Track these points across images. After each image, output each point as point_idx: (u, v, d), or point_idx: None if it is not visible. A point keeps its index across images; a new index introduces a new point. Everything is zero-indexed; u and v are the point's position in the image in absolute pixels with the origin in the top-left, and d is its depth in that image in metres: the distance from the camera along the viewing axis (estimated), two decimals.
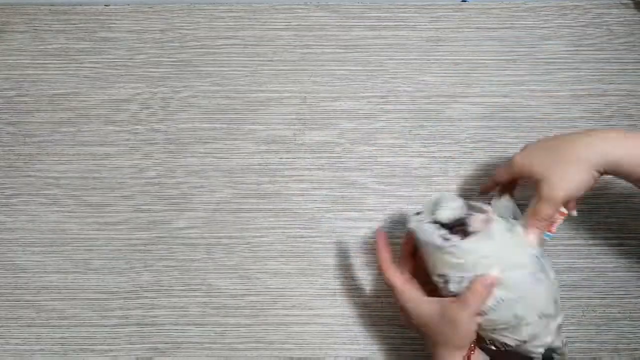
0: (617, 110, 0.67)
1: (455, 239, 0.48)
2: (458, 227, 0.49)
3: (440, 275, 0.49)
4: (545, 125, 0.66)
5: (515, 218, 0.53)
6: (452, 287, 0.48)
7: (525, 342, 0.49)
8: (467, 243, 0.48)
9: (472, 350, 0.49)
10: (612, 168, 0.48)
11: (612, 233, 0.63)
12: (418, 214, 0.52)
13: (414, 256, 0.54)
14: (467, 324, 0.48)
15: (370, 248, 0.64)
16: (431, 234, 0.49)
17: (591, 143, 0.49)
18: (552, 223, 0.51)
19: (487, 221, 0.49)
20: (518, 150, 0.54)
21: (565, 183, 0.49)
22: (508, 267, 0.47)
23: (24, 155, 0.68)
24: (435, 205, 0.51)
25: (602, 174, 0.49)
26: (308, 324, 0.63)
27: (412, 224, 0.51)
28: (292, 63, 0.69)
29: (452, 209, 0.50)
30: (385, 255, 0.53)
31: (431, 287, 0.51)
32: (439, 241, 0.48)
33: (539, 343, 0.49)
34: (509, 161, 0.53)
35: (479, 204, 0.51)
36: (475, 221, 0.49)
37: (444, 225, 0.50)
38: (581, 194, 0.50)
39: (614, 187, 0.64)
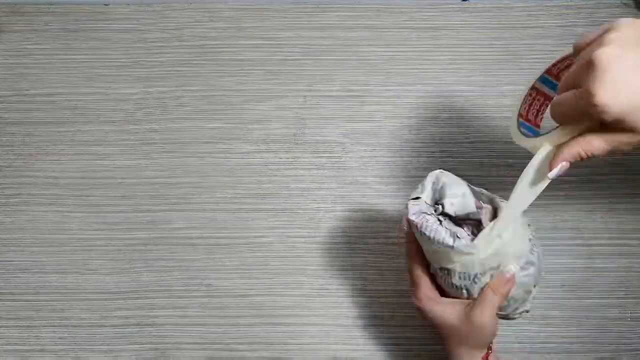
0: None
1: (466, 237, 0.46)
2: (468, 221, 0.47)
3: (443, 269, 0.47)
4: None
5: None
6: (456, 280, 0.47)
7: (511, 311, 0.50)
8: (480, 241, 0.45)
9: (490, 350, 0.48)
10: None
11: (612, 233, 0.63)
12: (416, 198, 0.47)
13: (421, 254, 0.50)
14: (490, 325, 0.46)
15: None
16: (440, 233, 0.45)
17: None
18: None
19: (497, 216, 0.46)
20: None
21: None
22: (518, 257, 0.46)
23: (24, 155, 0.68)
24: (436, 190, 0.48)
25: None
26: (308, 324, 0.63)
27: (415, 218, 0.46)
28: (292, 63, 0.69)
29: (460, 198, 0.47)
30: (414, 249, 0.49)
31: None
32: (450, 241, 0.45)
33: (521, 309, 0.50)
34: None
35: (481, 190, 0.48)
36: (486, 216, 0.46)
37: (451, 218, 0.47)
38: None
39: (614, 188, 0.64)
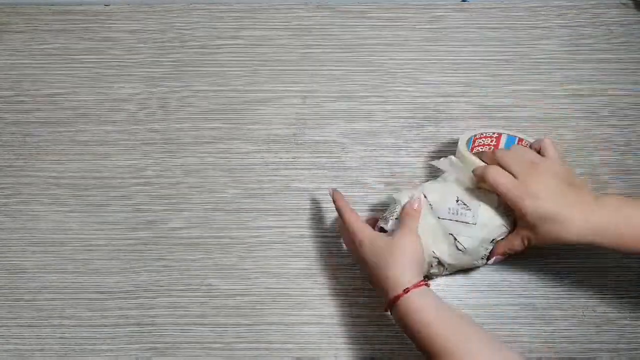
0: (616, 110, 0.67)
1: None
2: None
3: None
4: (545, 125, 0.66)
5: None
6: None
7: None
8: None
9: (425, 283, 0.52)
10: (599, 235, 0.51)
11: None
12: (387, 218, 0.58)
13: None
14: (410, 244, 0.53)
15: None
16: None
17: (592, 209, 0.51)
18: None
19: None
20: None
21: (548, 239, 0.52)
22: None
23: (24, 155, 0.68)
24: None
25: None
26: (308, 324, 0.63)
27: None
28: (292, 63, 0.69)
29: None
30: (344, 204, 0.57)
31: None
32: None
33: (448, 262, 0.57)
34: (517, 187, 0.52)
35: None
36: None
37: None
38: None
39: (614, 190, 0.64)
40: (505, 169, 0.53)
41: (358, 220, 0.56)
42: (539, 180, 0.52)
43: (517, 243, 0.54)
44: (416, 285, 0.50)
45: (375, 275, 0.53)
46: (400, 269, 0.51)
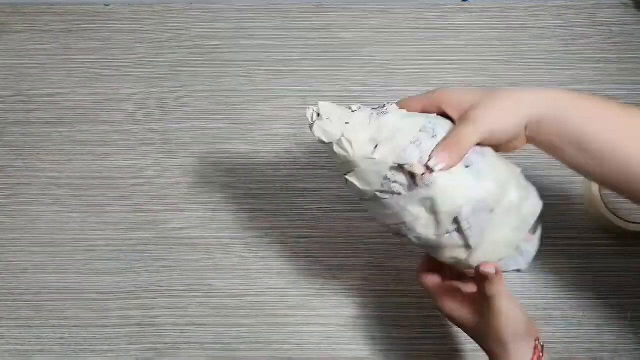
0: None
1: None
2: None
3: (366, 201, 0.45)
4: None
5: None
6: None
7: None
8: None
9: (538, 343, 0.45)
10: (555, 118, 0.41)
11: (612, 233, 0.63)
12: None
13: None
14: (500, 309, 0.43)
15: (372, 249, 0.64)
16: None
17: (530, 91, 0.42)
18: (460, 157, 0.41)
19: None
20: None
21: (497, 112, 0.41)
22: None
23: (24, 155, 0.68)
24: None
25: (535, 126, 0.41)
26: (308, 324, 0.63)
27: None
28: (292, 63, 0.69)
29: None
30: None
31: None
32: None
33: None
34: (427, 93, 0.45)
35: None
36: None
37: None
38: (502, 139, 0.42)
39: None
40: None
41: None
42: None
43: (461, 129, 0.41)
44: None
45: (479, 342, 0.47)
46: (506, 351, 0.44)
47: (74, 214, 0.66)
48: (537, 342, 0.45)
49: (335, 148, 0.43)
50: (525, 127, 0.42)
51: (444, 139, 0.41)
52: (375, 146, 0.42)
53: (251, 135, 0.67)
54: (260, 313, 0.63)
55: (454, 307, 0.47)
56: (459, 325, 0.48)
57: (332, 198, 0.65)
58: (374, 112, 0.44)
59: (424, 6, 0.70)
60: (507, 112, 0.41)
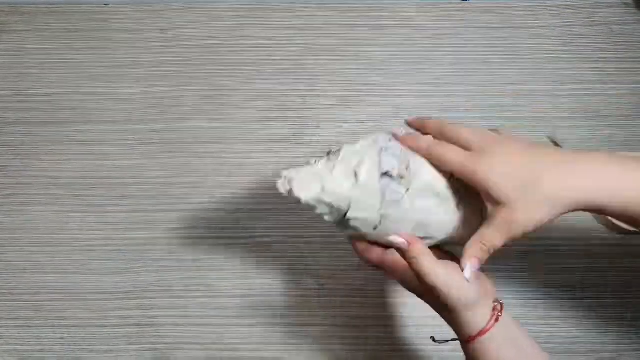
0: (616, 110, 0.67)
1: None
2: None
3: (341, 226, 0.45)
4: (546, 125, 0.66)
5: None
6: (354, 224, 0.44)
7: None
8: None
9: (497, 308, 0.43)
10: (594, 207, 0.39)
11: (611, 233, 0.63)
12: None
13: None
14: (437, 278, 0.41)
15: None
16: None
17: (576, 177, 0.39)
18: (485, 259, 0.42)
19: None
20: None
21: (531, 217, 0.39)
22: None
23: (24, 155, 0.68)
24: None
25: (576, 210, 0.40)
26: (308, 324, 0.62)
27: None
28: (292, 63, 0.69)
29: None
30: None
31: None
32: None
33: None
34: (463, 165, 0.41)
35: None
36: None
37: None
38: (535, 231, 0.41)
39: None
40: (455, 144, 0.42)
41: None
42: (501, 146, 0.40)
43: (490, 234, 0.41)
44: (484, 331, 0.42)
45: (434, 308, 0.46)
46: (460, 317, 0.43)
47: (73, 214, 0.66)
48: (495, 303, 0.43)
49: (326, 197, 0.43)
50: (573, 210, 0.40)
51: (475, 241, 0.42)
52: (355, 174, 0.42)
53: (251, 135, 0.67)
54: (260, 313, 0.63)
55: (400, 277, 0.45)
56: (416, 295, 0.46)
57: None
58: (331, 155, 0.45)
59: (424, 6, 0.70)
60: (543, 214, 0.39)
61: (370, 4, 0.70)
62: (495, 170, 0.40)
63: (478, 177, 0.40)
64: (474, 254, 0.41)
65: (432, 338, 0.49)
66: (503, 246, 0.41)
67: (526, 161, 0.40)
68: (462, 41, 0.69)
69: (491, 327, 0.42)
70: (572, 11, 0.69)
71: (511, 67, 0.68)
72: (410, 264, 0.43)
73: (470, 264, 0.41)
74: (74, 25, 0.71)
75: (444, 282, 0.41)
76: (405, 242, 0.43)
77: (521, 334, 0.43)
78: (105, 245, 0.65)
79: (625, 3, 0.70)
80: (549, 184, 0.39)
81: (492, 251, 0.41)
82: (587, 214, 0.63)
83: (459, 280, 0.42)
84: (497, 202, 0.40)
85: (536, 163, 0.40)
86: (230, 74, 0.69)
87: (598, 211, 0.40)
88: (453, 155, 0.42)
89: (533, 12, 0.70)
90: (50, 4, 0.72)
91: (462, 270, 0.42)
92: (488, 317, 0.42)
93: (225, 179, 0.66)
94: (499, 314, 0.42)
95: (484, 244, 0.41)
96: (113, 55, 0.70)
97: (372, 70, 0.69)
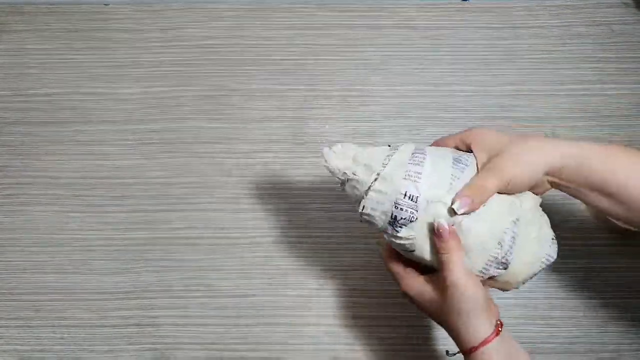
0: (616, 110, 0.67)
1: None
2: None
3: (383, 231, 0.47)
4: (545, 125, 0.67)
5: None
6: (394, 233, 0.45)
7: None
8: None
9: (499, 324, 0.45)
10: (573, 168, 0.44)
11: (611, 233, 0.63)
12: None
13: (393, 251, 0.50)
14: (465, 284, 0.43)
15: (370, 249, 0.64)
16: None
17: (562, 139, 0.45)
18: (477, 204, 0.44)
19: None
20: None
21: (519, 160, 0.44)
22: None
23: (24, 155, 0.68)
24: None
25: (556, 174, 0.45)
26: (308, 324, 0.62)
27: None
28: (292, 63, 0.69)
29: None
30: (387, 249, 0.50)
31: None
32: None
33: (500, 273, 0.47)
34: (462, 131, 0.48)
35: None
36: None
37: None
38: (522, 188, 0.45)
39: None
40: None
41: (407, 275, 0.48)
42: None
43: (482, 176, 0.44)
44: (486, 341, 0.44)
45: (440, 323, 0.47)
46: (467, 323, 0.44)
47: (73, 214, 0.66)
48: (498, 321, 0.45)
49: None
50: (547, 175, 0.45)
51: (468, 184, 0.44)
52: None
53: (251, 135, 0.67)
54: (260, 313, 0.63)
55: (416, 287, 0.47)
56: (423, 308, 0.47)
57: (332, 198, 0.65)
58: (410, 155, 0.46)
59: (424, 6, 0.70)
60: (525, 163, 0.44)
61: (369, 4, 0.70)
62: (489, 133, 0.46)
63: (473, 140, 0.46)
64: (465, 193, 0.43)
65: (447, 352, 0.49)
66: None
67: (514, 133, 0.46)
68: (462, 41, 0.69)
69: (493, 339, 0.44)
70: (571, 11, 0.69)
71: (511, 67, 0.68)
72: (440, 253, 0.44)
73: (460, 200, 0.43)
74: (74, 25, 0.71)
75: (465, 282, 0.43)
76: (448, 230, 0.44)
77: (518, 350, 0.45)
78: (105, 245, 0.65)
79: (625, 3, 0.70)
80: (533, 142, 0.44)
81: (485, 192, 0.43)
82: (587, 214, 0.63)
83: (475, 285, 0.44)
84: (489, 151, 0.45)
85: (521, 134, 0.46)
86: (230, 74, 0.69)
87: (576, 174, 0.44)
88: (450, 138, 0.49)
89: (533, 13, 0.70)
90: (50, 4, 0.72)
91: (452, 205, 0.43)
92: (490, 330, 0.44)
93: (225, 178, 0.66)
94: (500, 329, 0.45)
95: (475, 184, 0.44)
96: (113, 55, 0.70)
97: (372, 70, 0.69)
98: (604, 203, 0.45)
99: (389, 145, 0.48)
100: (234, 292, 0.63)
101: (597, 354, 0.60)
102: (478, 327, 0.44)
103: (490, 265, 0.45)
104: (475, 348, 0.44)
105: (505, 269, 0.45)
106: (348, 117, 0.68)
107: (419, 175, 0.44)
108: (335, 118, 0.68)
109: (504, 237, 0.44)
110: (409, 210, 0.44)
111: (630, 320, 0.61)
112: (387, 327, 0.62)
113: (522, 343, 0.60)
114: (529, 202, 0.46)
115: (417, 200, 0.44)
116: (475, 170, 0.45)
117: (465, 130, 0.48)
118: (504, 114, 0.67)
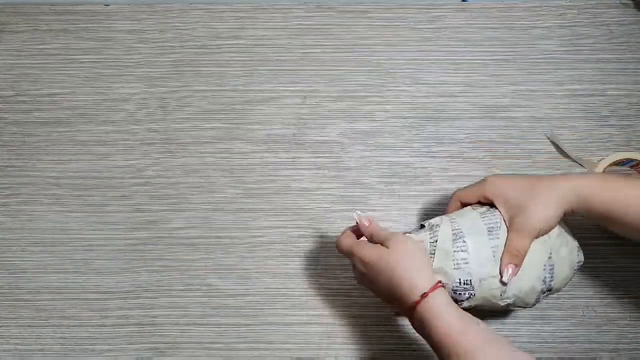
0: (616, 110, 0.67)
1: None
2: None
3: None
4: (545, 125, 0.66)
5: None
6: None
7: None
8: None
9: (440, 283, 0.49)
10: (583, 205, 0.50)
11: (611, 233, 0.63)
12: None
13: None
14: (403, 246, 0.50)
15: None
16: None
17: (566, 179, 0.51)
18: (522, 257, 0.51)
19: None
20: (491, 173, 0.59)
21: (540, 215, 0.50)
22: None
23: (24, 155, 0.68)
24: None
25: (572, 212, 0.51)
26: (308, 324, 0.63)
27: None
28: (292, 63, 0.69)
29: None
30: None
31: None
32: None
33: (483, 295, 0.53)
34: (480, 183, 0.54)
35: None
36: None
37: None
38: (550, 230, 0.52)
39: None
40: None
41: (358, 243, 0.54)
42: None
43: (515, 239, 0.51)
44: (433, 288, 0.48)
45: (388, 289, 0.51)
46: (415, 274, 0.49)
47: (74, 214, 0.66)
48: (438, 283, 0.50)
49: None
50: (571, 211, 0.51)
51: (506, 251, 0.51)
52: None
53: (251, 135, 0.67)
54: (260, 313, 0.63)
55: (370, 249, 0.52)
56: (377, 270, 0.50)
57: (332, 198, 0.66)
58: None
59: (424, 6, 0.70)
60: (548, 213, 0.50)
61: (369, 5, 0.70)
62: (508, 188, 0.52)
63: (492, 194, 0.53)
64: (507, 261, 0.51)
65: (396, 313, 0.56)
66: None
67: (529, 178, 0.52)
68: (462, 41, 0.69)
69: (434, 290, 0.48)
70: (571, 11, 0.69)
71: (511, 67, 0.68)
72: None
73: (507, 269, 0.51)
74: (74, 25, 0.71)
75: (408, 238, 0.51)
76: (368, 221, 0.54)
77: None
78: (106, 245, 0.65)
79: (624, 3, 0.70)
80: (546, 183, 0.51)
81: (522, 253, 0.50)
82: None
83: (413, 249, 0.51)
84: (512, 211, 0.51)
85: (540, 177, 0.52)
86: (230, 74, 0.69)
87: (586, 210, 0.50)
88: (469, 191, 0.56)
89: (533, 13, 0.70)
90: (51, 4, 0.72)
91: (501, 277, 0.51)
92: (431, 284, 0.49)
93: (225, 178, 0.66)
94: (442, 285, 0.49)
95: (512, 250, 0.51)
96: (113, 55, 0.70)
97: (372, 71, 0.69)
98: (612, 227, 0.52)
99: (422, 225, 0.54)
100: (233, 292, 0.63)
101: (596, 354, 0.60)
102: (419, 282, 0.49)
103: (540, 296, 0.52)
104: (417, 302, 0.48)
105: (550, 290, 0.53)
106: (348, 117, 0.68)
107: (466, 261, 0.50)
108: (335, 118, 0.68)
109: (544, 275, 0.51)
110: (466, 293, 0.51)
111: (629, 320, 0.61)
112: (387, 327, 0.62)
113: (522, 343, 0.60)
114: (555, 230, 0.52)
115: (470, 282, 0.51)
116: (505, 228, 0.51)
117: (482, 184, 0.54)
118: (504, 114, 0.67)
